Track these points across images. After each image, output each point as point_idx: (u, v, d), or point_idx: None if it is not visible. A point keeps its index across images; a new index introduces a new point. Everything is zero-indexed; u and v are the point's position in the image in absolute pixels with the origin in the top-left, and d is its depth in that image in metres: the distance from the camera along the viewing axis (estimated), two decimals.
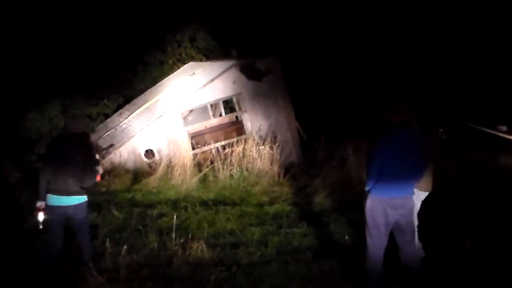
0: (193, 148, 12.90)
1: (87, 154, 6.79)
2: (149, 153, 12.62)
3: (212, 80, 13.43)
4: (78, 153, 6.64)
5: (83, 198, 6.68)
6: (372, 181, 5.89)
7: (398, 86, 15.28)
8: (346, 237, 8.13)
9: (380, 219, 5.91)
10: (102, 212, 9.20)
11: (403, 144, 5.76)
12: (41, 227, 6.53)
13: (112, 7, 16.20)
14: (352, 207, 9.33)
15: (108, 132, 13.81)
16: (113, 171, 11.58)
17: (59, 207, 6.52)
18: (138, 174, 11.59)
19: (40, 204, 6.56)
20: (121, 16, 16.35)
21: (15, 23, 14.63)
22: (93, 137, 13.64)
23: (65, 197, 6.52)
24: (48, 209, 6.53)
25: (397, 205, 5.88)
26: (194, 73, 15.13)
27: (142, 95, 15.84)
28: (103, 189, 10.76)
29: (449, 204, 9.14)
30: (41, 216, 6.52)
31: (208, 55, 18.26)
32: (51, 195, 6.53)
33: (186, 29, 18.12)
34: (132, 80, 16.75)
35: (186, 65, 17.23)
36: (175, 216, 8.60)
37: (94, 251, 7.07)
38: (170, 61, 17.89)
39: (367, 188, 5.99)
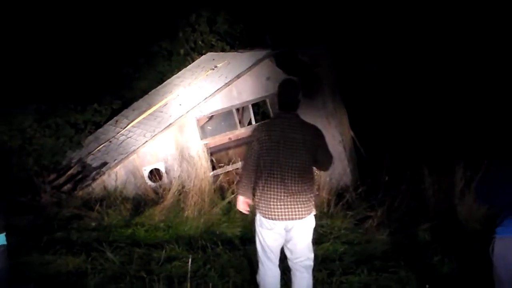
0: (214, 168, 12.93)
1: None
2: (154, 174, 12.68)
3: (238, 76, 13.51)
4: None
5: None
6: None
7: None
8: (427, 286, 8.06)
9: None
10: (91, 254, 9.17)
11: None
12: None
13: None
14: (431, 247, 9.25)
15: (100, 147, 13.91)
16: (106, 199, 11.61)
17: None
18: (140, 203, 11.60)
19: None
20: None
21: None
22: (80, 153, 13.75)
23: None
24: None
25: None
26: (215, 67, 15.20)
27: (145, 96, 15.95)
28: (93, 224, 10.76)
29: None
30: None
31: (233, 43, 18.29)
32: None
33: (203, 8, 18.17)
34: (131, 77, 16.75)
35: (204, 56, 17.33)
36: (190, 260, 8.57)
37: None
38: (182, 51, 17.96)
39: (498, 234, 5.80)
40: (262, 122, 8.02)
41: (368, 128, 15.48)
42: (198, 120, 13.36)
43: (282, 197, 6.66)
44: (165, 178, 12.67)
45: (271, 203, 6.69)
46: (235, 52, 16.34)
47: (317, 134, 6.89)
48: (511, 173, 5.67)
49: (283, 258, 7.15)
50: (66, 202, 11.54)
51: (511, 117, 13.47)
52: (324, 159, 6.93)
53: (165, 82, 16.62)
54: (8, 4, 14.33)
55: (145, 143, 12.83)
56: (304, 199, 6.73)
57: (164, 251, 9.36)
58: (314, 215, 6.98)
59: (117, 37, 16.28)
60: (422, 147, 13.24)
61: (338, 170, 13.39)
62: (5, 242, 6.38)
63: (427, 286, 7.99)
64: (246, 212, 7.30)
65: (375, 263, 9.07)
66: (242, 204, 7.15)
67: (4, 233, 6.38)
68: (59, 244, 9.38)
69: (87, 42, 15.40)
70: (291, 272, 7.17)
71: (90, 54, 15.37)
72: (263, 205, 6.76)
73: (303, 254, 7.01)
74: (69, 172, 13.36)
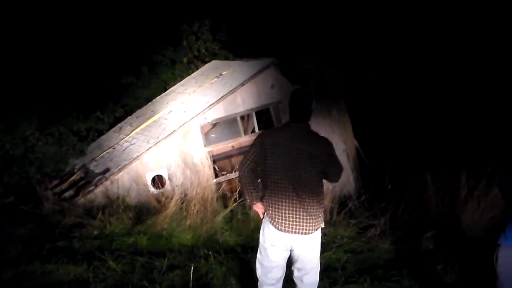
0: (216, 176, 12.93)
1: None
2: (157, 180, 12.69)
3: (243, 84, 13.53)
4: None
5: None
6: None
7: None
8: None
9: None
10: (93, 263, 9.14)
11: None
12: None
13: None
14: (435, 255, 9.24)
15: (104, 153, 13.91)
16: (108, 208, 11.59)
17: None
18: (143, 211, 11.58)
19: None
20: None
21: None
22: (84, 160, 13.76)
23: None
24: None
25: None
26: (220, 75, 15.23)
27: (149, 104, 15.98)
28: (95, 232, 10.74)
29: None
30: None
31: (236, 52, 18.31)
32: None
33: (206, 17, 18.19)
34: (134, 85, 16.72)
35: (208, 64, 17.37)
36: (192, 268, 8.59)
37: None
38: (185, 60, 17.96)
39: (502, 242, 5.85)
40: (269, 128, 7.82)
41: (371, 137, 15.49)
42: (202, 127, 13.38)
43: (289, 208, 6.46)
44: (168, 185, 12.68)
45: (278, 213, 6.50)
46: (240, 61, 16.37)
47: (326, 147, 6.66)
48: None
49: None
50: (68, 210, 11.54)
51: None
52: (333, 171, 6.73)
53: (169, 90, 16.65)
54: (12, 12, 14.35)
55: (148, 149, 12.85)
56: (312, 213, 6.50)
57: (166, 259, 9.32)
58: (322, 228, 6.78)
59: (120, 45, 16.28)
60: (425, 155, 13.22)
61: (341, 178, 13.33)
62: None
63: None
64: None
65: (378, 272, 9.06)
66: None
67: None
68: (61, 253, 9.36)
69: (90, 50, 15.37)
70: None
71: (93, 62, 15.34)
72: (270, 214, 6.57)
73: (312, 270, 6.89)
74: (71, 178, 13.37)
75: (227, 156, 14.18)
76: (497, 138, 13.22)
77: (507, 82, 16.24)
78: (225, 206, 11.51)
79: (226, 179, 12.96)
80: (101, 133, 15.25)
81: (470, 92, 16.33)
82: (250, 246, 9.99)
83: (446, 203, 10.84)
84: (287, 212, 6.46)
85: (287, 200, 6.47)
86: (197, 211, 11.10)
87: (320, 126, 13.59)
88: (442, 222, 10.34)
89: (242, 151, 14.04)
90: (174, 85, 16.87)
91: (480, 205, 10.41)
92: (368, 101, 16.92)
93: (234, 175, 12.90)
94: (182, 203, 11.41)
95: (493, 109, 15.58)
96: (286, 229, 6.47)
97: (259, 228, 7.70)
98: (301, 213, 6.45)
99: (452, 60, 17.74)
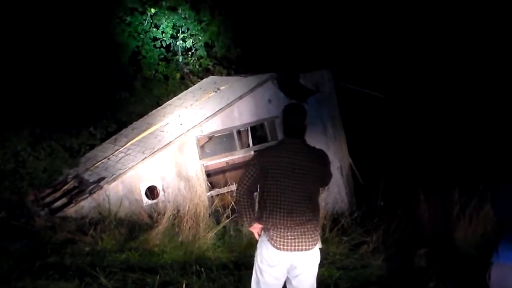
0: (209, 190, 12.93)
1: None
2: (151, 191, 12.68)
3: (240, 97, 13.50)
4: None
5: None
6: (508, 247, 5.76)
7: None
8: None
9: None
10: (85, 279, 9.12)
11: None
12: None
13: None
14: (427, 272, 9.26)
15: (98, 163, 13.90)
16: (100, 224, 11.57)
17: None
18: (135, 227, 11.56)
19: None
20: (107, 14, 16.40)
21: None
22: (78, 170, 13.75)
23: None
24: None
25: None
26: (217, 89, 15.27)
27: (145, 117, 16.00)
28: (87, 249, 10.73)
29: None
30: None
31: (229, 68, 18.34)
32: None
33: (200, 32, 18.22)
34: (126, 101, 16.70)
35: (206, 79, 17.42)
36: (184, 285, 8.58)
37: None
38: (178, 75, 17.97)
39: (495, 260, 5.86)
40: (266, 147, 7.78)
41: (364, 152, 15.50)
42: (198, 140, 13.37)
43: (290, 227, 6.35)
44: (161, 196, 12.67)
45: (279, 232, 6.38)
46: (238, 76, 16.39)
47: (324, 160, 6.69)
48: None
49: None
50: (60, 226, 11.52)
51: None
52: (326, 179, 6.76)
53: (165, 104, 16.68)
54: (4, 27, 14.36)
55: (144, 159, 12.84)
56: (311, 229, 6.42)
57: (158, 276, 9.29)
58: (320, 248, 6.64)
59: (113, 60, 16.30)
60: (417, 172, 13.24)
61: (334, 195, 13.37)
62: None
63: None
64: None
65: None
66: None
67: None
68: (52, 269, 9.34)
69: (83, 65, 15.35)
70: None
71: (86, 77, 15.32)
72: (269, 233, 6.44)
73: None
74: (65, 187, 13.33)
75: (221, 170, 14.17)
76: (489, 155, 13.28)
77: (498, 99, 16.33)
78: (218, 222, 11.50)
79: (217, 193, 12.94)
80: (93, 147, 15.22)
81: (462, 110, 16.39)
82: (243, 262, 9.99)
83: (439, 220, 10.86)
84: (287, 230, 6.36)
85: (287, 219, 6.37)
86: (190, 227, 11.09)
87: (316, 143, 13.51)
88: (434, 239, 10.37)
89: (236, 166, 14.04)
90: (167, 100, 16.89)
91: (472, 222, 10.44)
92: (361, 118, 16.95)
93: (227, 189, 12.88)
94: (175, 219, 11.40)
95: (485, 126, 15.64)
96: (286, 247, 6.36)
97: (252, 245, 7.71)
98: (301, 230, 6.37)
99: (443, 78, 17.82)
